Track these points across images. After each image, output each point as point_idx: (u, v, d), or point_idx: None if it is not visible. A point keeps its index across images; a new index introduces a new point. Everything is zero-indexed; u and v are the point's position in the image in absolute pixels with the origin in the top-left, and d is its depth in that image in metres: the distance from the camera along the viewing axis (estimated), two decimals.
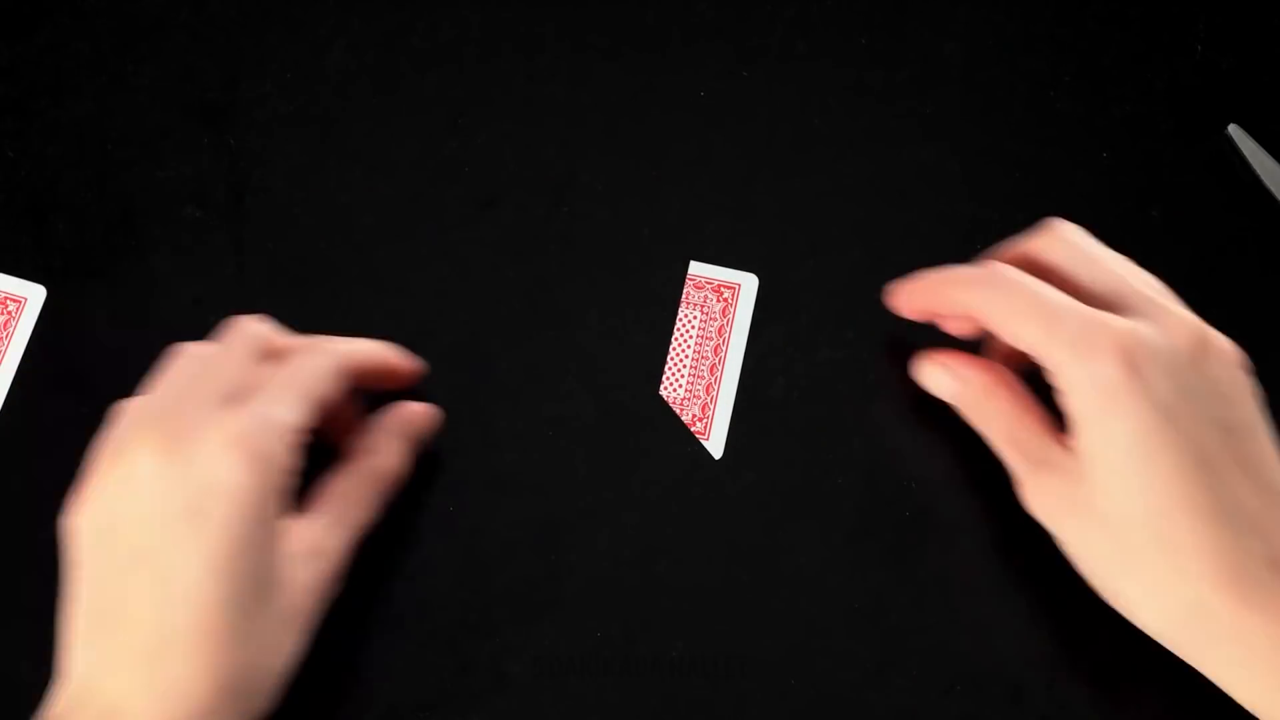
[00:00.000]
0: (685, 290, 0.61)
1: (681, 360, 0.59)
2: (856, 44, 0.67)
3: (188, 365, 0.52)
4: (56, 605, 0.50)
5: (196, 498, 0.47)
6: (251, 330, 0.54)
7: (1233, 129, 0.64)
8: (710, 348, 0.59)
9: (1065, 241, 0.54)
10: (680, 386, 0.59)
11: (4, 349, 0.61)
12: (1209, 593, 0.48)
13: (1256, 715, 0.49)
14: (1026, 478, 0.53)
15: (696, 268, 0.60)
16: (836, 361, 0.60)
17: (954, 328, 0.56)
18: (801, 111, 0.65)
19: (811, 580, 0.57)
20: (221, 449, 0.47)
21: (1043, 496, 0.52)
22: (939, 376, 0.57)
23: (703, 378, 0.59)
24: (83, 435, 0.59)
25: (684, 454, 0.59)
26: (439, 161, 0.64)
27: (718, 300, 0.60)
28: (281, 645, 0.49)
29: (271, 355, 0.53)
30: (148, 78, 0.66)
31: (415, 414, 0.57)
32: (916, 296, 0.56)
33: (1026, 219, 0.56)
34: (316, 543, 0.51)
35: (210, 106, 0.65)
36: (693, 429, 0.58)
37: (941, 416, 0.57)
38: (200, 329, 0.61)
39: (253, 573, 0.47)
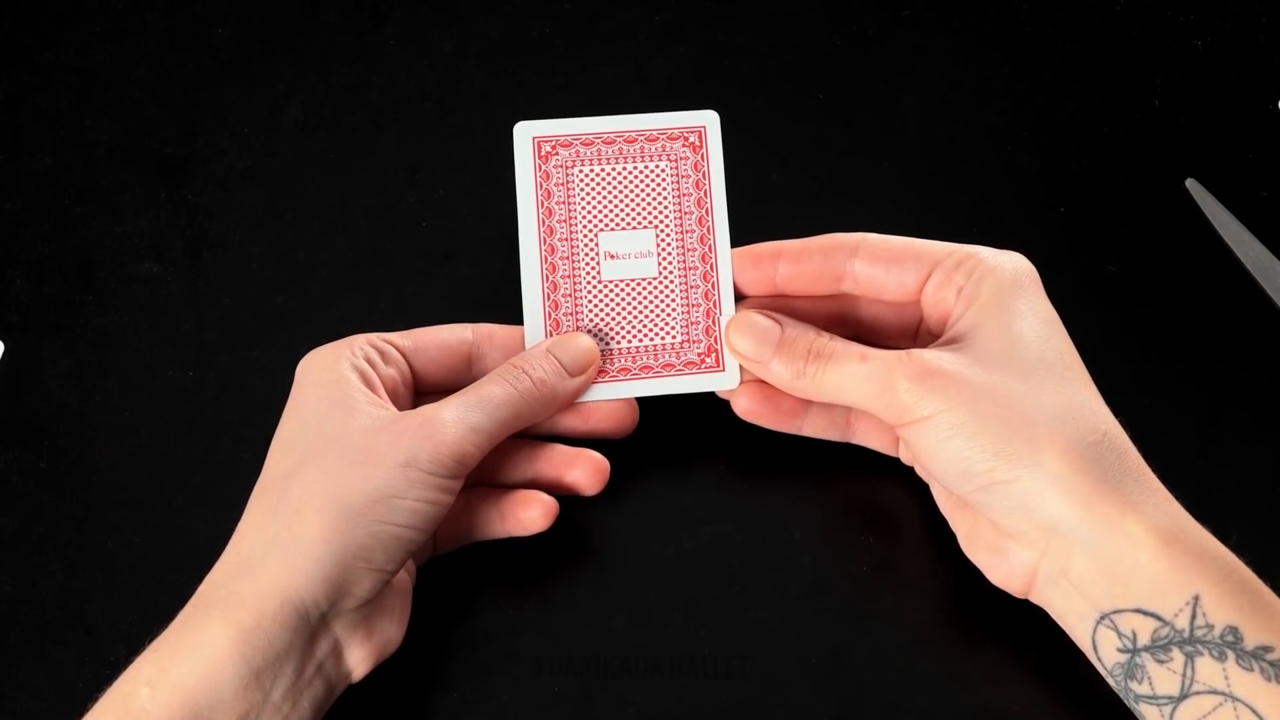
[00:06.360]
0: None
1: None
2: (814, 99, 0.67)
3: None
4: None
5: (291, 401, 0.54)
6: None
7: (1190, 183, 0.64)
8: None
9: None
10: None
11: None
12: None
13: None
14: (909, 369, 0.52)
15: None
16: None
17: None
18: (760, 165, 0.65)
19: (770, 634, 0.57)
20: (307, 359, 0.55)
21: (930, 380, 0.51)
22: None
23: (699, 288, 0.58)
24: (41, 489, 0.59)
25: (641, 507, 0.59)
26: (396, 216, 0.65)
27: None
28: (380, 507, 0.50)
29: None
30: (105, 132, 0.66)
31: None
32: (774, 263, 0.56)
33: None
34: (427, 415, 0.52)
35: (168, 161, 0.66)
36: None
37: (897, 473, 0.57)
38: (158, 383, 0.61)
39: (324, 430, 0.52)
